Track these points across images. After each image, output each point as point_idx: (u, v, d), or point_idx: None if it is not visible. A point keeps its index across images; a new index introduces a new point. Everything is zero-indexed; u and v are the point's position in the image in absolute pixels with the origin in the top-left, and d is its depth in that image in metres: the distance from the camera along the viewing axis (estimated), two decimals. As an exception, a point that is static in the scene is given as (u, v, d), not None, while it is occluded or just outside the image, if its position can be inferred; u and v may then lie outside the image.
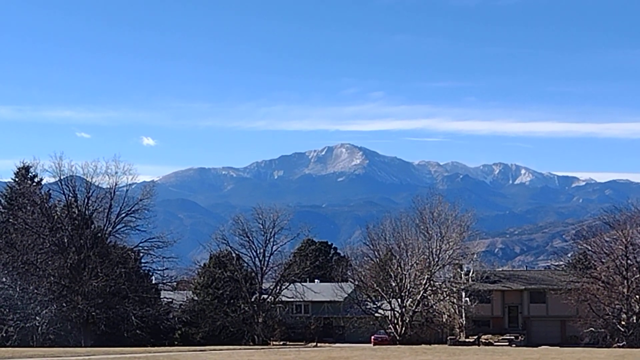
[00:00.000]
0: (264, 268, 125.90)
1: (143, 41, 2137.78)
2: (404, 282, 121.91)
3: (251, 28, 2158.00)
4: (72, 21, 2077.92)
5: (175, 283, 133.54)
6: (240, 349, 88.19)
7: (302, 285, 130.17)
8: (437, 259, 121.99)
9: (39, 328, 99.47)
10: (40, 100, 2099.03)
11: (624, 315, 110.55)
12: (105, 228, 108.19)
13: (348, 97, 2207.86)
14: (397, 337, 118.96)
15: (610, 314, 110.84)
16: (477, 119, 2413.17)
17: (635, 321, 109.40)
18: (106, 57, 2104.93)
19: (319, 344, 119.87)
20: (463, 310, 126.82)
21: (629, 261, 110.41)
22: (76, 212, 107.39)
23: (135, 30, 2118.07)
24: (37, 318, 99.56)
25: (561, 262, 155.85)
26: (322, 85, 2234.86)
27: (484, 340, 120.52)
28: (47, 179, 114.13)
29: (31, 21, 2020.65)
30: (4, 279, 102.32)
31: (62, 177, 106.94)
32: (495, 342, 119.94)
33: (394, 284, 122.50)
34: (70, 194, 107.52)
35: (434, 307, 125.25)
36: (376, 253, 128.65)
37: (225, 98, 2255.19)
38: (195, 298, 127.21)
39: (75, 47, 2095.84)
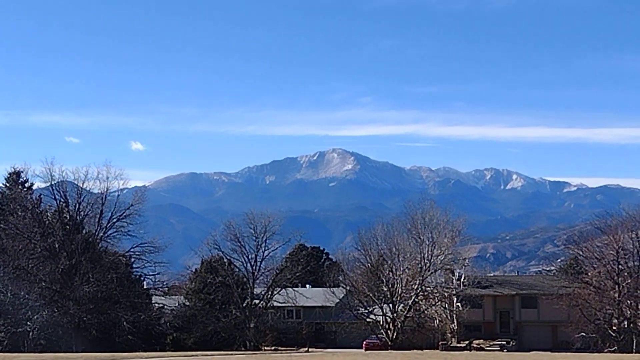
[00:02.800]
0: (256, 273, 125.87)
1: (130, 48, 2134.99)
2: (395, 287, 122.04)
3: (237, 34, 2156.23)
4: (58, 29, 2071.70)
5: (166, 288, 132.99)
6: (231, 354, 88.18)
7: (294, 290, 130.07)
8: (428, 264, 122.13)
9: (30, 333, 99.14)
10: (28, 105, 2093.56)
11: (615, 321, 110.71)
12: (97, 233, 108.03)
13: (336, 103, 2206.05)
14: (389, 342, 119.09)
15: (601, 319, 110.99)
16: (466, 124, 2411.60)
17: (626, 326, 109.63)
18: (93, 64, 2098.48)
19: (310, 349, 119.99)
20: (454, 315, 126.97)
21: (620, 266, 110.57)
22: (67, 217, 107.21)
23: (121, 38, 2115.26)
24: (29, 323, 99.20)
25: (552, 267, 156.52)
26: (310, 90, 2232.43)
27: (475, 345, 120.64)
28: (38, 184, 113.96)
29: (17, 29, 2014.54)
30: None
31: (53, 183, 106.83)
32: (486, 347, 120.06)
33: (385, 289, 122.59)
34: (62, 199, 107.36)
35: (426, 312, 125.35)
36: (368, 258, 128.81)
37: (213, 103, 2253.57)
38: (187, 303, 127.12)
39: (61, 54, 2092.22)
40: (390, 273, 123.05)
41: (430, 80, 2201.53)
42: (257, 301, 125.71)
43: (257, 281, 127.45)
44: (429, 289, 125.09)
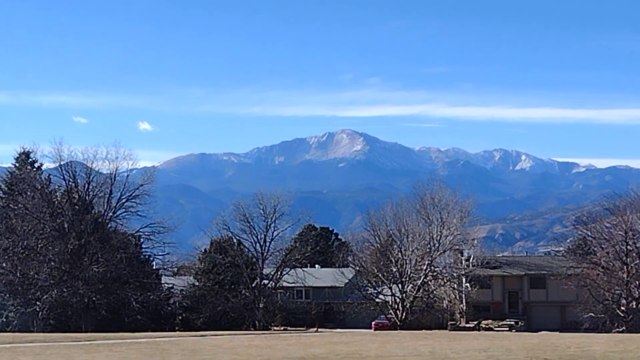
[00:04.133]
0: (265, 253, 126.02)
1: (136, 28, 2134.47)
2: (404, 267, 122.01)
3: (243, 15, 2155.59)
4: (64, 10, 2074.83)
5: (176, 268, 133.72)
6: (241, 334, 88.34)
7: (303, 270, 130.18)
8: (437, 245, 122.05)
9: (40, 313, 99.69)
10: (35, 85, 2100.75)
11: (623, 301, 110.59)
12: (106, 213, 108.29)
13: (344, 83, 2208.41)
14: (398, 323, 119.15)
15: (609, 299, 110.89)
16: (474, 105, 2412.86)
17: (634, 307, 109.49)
18: (100, 44, 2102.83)
19: (319, 330, 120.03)
20: (463, 296, 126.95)
21: (628, 247, 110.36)
22: (76, 197, 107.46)
23: (127, 18, 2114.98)
24: (38, 303, 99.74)
25: (561, 248, 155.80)
26: (318, 71, 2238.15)
27: (484, 326, 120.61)
28: (47, 165, 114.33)
29: (23, 9, 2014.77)
30: (4, 264, 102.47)
31: (62, 163, 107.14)
32: (495, 327, 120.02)
33: (394, 270, 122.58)
34: (71, 180, 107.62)
35: (435, 292, 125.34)
36: (377, 238, 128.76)
37: (219, 84, 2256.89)
38: (196, 283, 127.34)
39: (67, 34, 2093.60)
40: (399, 253, 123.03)
41: (438, 61, 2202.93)
42: (266, 281, 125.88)
43: (267, 261, 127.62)
44: (437, 269, 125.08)
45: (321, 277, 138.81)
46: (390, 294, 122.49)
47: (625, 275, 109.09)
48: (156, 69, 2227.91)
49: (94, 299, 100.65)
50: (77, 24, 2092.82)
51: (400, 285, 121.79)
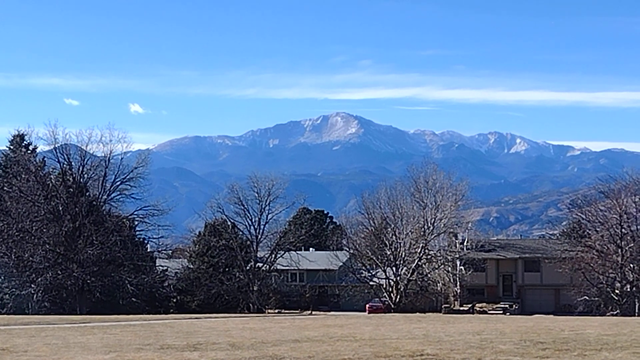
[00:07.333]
0: (259, 236, 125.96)
1: (126, 9, 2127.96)
2: (398, 250, 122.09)
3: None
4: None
5: (170, 251, 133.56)
6: (235, 316, 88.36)
7: (297, 253, 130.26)
8: (432, 228, 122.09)
9: (35, 296, 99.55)
10: (26, 67, 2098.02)
11: (617, 284, 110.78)
12: (100, 196, 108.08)
13: (337, 65, 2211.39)
14: (392, 306, 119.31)
15: (604, 282, 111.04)
16: (467, 88, 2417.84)
17: (628, 290, 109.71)
18: (90, 25, 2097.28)
19: (313, 312, 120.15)
20: (457, 279, 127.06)
21: (623, 230, 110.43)
22: (71, 180, 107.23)
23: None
24: (33, 286, 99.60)
25: (556, 231, 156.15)
26: (310, 53, 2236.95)
27: (478, 309, 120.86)
28: (42, 147, 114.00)
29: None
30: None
31: (56, 145, 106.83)
32: (489, 310, 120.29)
33: (388, 253, 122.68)
34: (65, 162, 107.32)
35: (429, 275, 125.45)
36: (371, 222, 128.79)
37: (212, 66, 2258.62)
38: (191, 266, 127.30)
39: (57, 16, 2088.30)
40: (394, 236, 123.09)
41: (430, 43, 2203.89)
42: (260, 264, 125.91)
43: (261, 244, 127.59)
44: (432, 252, 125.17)
45: (315, 260, 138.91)
46: (384, 277, 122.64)
47: (619, 259, 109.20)
48: (146, 51, 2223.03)
49: (88, 281, 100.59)
50: (65, 4, 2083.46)
51: (394, 268, 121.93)
